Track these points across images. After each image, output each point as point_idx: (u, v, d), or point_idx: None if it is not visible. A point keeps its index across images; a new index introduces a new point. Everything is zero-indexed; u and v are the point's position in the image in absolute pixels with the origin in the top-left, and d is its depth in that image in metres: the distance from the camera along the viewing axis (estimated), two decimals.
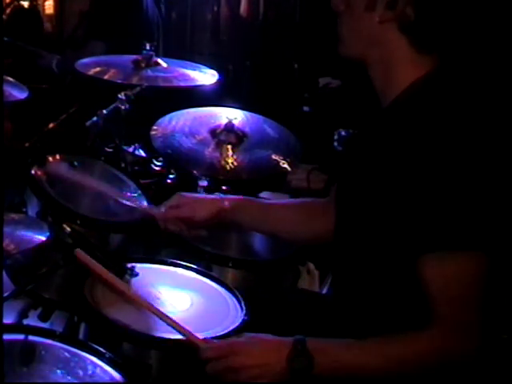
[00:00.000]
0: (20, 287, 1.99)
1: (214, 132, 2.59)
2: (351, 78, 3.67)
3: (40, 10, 4.01)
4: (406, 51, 1.46)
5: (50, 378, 1.47)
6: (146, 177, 2.68)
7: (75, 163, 2.37)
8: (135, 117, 2.71)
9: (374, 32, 1.47)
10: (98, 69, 2.76)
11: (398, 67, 1.48)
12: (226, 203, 1.87)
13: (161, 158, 2.74)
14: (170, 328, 1.59)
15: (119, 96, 2.67)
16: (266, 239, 2.36)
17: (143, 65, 2.78)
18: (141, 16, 3.58)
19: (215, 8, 4.54)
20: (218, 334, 1.70)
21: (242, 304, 1.78)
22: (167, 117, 2.68)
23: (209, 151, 2.54)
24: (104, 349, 1.56)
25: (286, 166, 2.56)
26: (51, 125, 2.78)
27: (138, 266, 1.88)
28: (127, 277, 1.84)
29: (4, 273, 2.03)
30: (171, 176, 2.75)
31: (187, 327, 1.58)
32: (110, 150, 2.68)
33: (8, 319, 1.93)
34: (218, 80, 2.84)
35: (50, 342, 1.56)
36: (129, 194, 2.38)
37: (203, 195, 2.01)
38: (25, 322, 2.11)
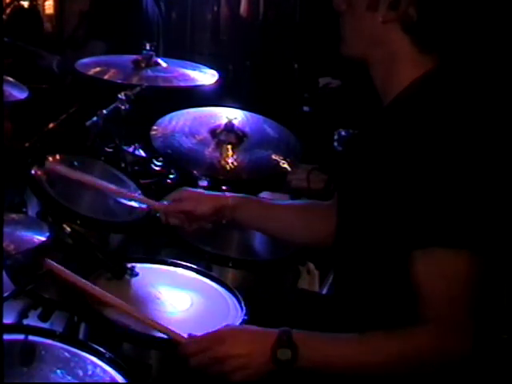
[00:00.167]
0: (20, 287, 1.98)
1: (214, 132, 2.59)
2: (351, 78, 3.67)
3: (40, 10, 4.01)
4: (407, 51, 1.47)
5: (50, 378, 1.47)
6: (146, 177, 2.68)
7: (75, 163, 2.37)
8: (135, 117, 2.71)
9: (376, 32, 1.47)
10: (97, 69, 2.75)
11: (400, 66, 1.48)
12: (229, 200, 1.88)
13: (161, 158, 2.74)
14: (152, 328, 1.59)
15: (119, 96, 2.67)
16: (266, 239, 2.36)
17: (143, 65, 2.78)
18: (141, 16, 3.58)
19: (215, 8, 4.54)
20: None
21: (242, 304, 1.78)
22: (167, 117, 2.68)
23: (209, 151, 2.54)
24: (104, 349, 1.56)
25: (285, 166, 2.56)
26: (51, 125, 2.78)
27: (138, 266, 1.88)
28: (127, 277, 1.84)
29: (4, 273, 2.03)
30: (171, 176, 2.75)
31: (169, 326, 1.58)
32: (110, 149, 2.68)
33: (8, 319, 1.93)
34: (218, 80, 2.84)
35: (50, 341, 1.56)
36: (129, 193, 2.38)
37: (207, 191, 2.00)
38: (25, 322, 2.10)
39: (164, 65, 2.83)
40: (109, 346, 1.59)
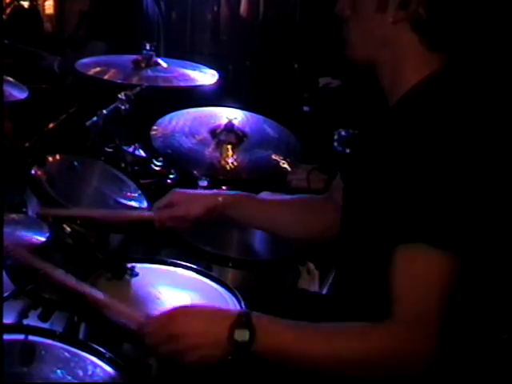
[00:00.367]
0: (20, 287, 1.99)
1: (214, 132, 2.60)
2: (351, 78, 3.67)
3: (40, 10, 4.01)
4: (416, 50, 1.47)
5: (50, 378, 1.47)
6: (146, 177, 2.68)
7: (75, 163, 2.37)
8: (135, 117, 2.71)
9: (385, 32, 1.47)
10: (97, 69, 2.76)
11: (407, 66, 1.48)
12: (221, 199, 1.88)
13: (161, 158, 2.74)
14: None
15: (119, 96, 2.67)
16: (265, 239, 2.36)
17: (143, 65, 2.78)
18: (141, 16, 3.58)
19: (215, 8, 4.54)
20: None
21: (242, 304, 1.78)
22: (167, 117, 2.68)
23: (209, 151, 2.54)
24: (104, 349, 1.56)
25: (286, 166, 2.56)
26: (51, 125, 2.78)
27: (138, 266, 1.88)
28: (127, 277, 1.84)
29: (4, 273, 2.02)
30: (171, 176, 2.75)
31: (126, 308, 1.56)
32: (110, 149, 2.68)
33: (8, 319, 1.93)
34: (218, 80, 2.84)
35: (50, 341, 1.56)
36: (129, 193, 2.39)
37: (198, 191, 2.00)
38: (25, 322, 2.10)
39: (164, 65, 2.83)
40: (109, 345, 1.59)
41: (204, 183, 2.65)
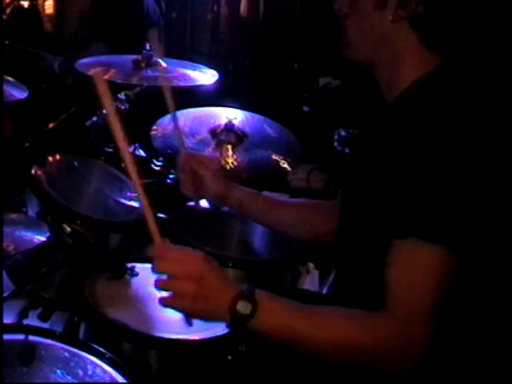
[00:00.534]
0: (20, 287, 1.99)
1: (214, 132, 2.59)
2: (351, 78, 3.68)
3: (40, 10, 4.01)
4: (414, 49, 1.47)
5: (50, 378, 1.47)
6: (146, 177, 2.68)
7: (75, 163, 2.37)
8: (135, 117, 2.71)
9: (384, 31, 1.47)
10: (98, 69, 2.75)
11: (405, 64, 1.48)
12: (238, 192, 1.89)
13: (161, 158, 2.74)
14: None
15: (119, 96, 2.67)
16: (265, 239, 2.36)
17: (143, 65, 2.77)
18: (142, 17, 3.58)
19: (215, 8, 4.55)
20: (217, 334, 1.71)
21: None
22: (167, 117, 2.68)
23: (209, 151, 2.54)
24: (104, 349, 1.56)
25: (286, 165, 2.56)
26: (51, 125, 2.78)
27: (138, 266, 1.88)
28: (127, 277, 1.84)
29: (4, 273, 2.03)
30: (171, 176, 2.75)
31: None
32: (110, 150, 2.68)
33: (8, 319, 1.93)
34: (218, 80, 2.84)
35: (49, 341, 1.56)
36: (129, 193, 2.39)
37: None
38: (25, 322, 2.11)
39: (164, 65, 2.83)
40: (109, 345, 1.60)
41: None
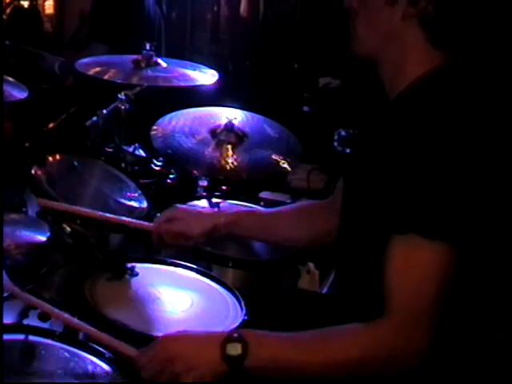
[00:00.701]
0: (20, 287, 1.98)
1: (214, 132, 2.59)
2: (351, 78, 3.68)
3: (40, 10, 4.01)
4: (421, 46, 1.47)
5: (49, 377, 1.47)
6: (146, 177, 2.68)
7: (75, 163, 2.37)
8: (135, 117, 2.71)
9: (392, 27, 1.47)
10: (97, 69, 2.75)
11: (410, 61, 1.48)
12: (221, 219, 1.89)
13: (161, 158, 2.74)
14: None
15: (119, 96, 2.67)
16: None
17: (143, 65, 2.77)
18: (143, 18, 3.58)
19: (215, 8, 4.54)
20: None
21: (242, 304, 1.78)
22: (167, 117, 2.68)
23: (209, 151, 2.54)
24: (104, 349, 1.56)
25: (285, 165, 2.56)
26: (51, 125, 2.78)
27: (138, 266, 1.88)
28: (127, 277, 1.84)
29: (4, 273, 2.02)
30: (171, 176, 2.75)
31: (116, 341, 1.56)
32: (110, 150, 2.68)
33: (8, 319, 1.93)
34: (218, 80, 2.84)
35: (49, 342, 1.56)
36: (129, 193, 2.39)
37: (199, 209, 2.00)
38: (25, 322, 2.10)
39: (164, 65, 2.83)
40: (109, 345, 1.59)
41: (204, 183, 2.65)
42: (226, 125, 2.58)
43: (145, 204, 2.34)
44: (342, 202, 1.67)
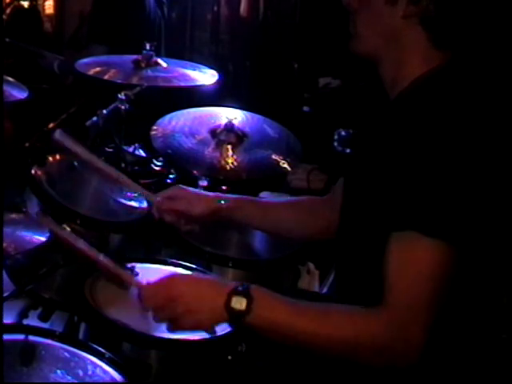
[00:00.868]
0: (20, 287, 1.99)
1: (214, 132, 2.59)
2: (351, 78, 3.67)
3: (40, 10, 4.01)
4: (422, 46, 1.47)
5: (49, 378, 1.47)
6: (146, 177, 2.68)
7: (75, 163, 2.37)
8: (135, 117, 2.71)
9: (393, 26, 1.47)
10: (97, 69, 2.75)
11: (411, 61, 1.48)
12: (223, 202, 1.87)
13: (161, 158, 2.74)
14: None
15: (119, 96, 2.67)
16: (265, 239, 2.36)
17: (143, 65, 2.77)
18: (143, 20, 3.58)
19: (215, 8, 4.54)
20: (217, 334, 1.70)
21: None
22: (167, 117, 2.68)
23: (209, 151, 2.54)
24: (104, 349, 1.56)
25: (285, 165, 2.56)
26: (51, 125, 2.78)
27: (138, 266, 1.88)
28: None
29: (4, 273, 2.03)
30: (171, 176, 2.75)
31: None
32: (110, 150, 2.68)
33: (8, 319, 1.93)
34: (218, 80, 2.84)
35: (49, 341, 1.56)
36: (129, 193, 2.39)
37: (202, 192, 1.99)
38: (25, 322, 2.11)
39: (164, 65, 2.83)
40: (109, 345, 1.59)
41: (204, 183, 2.65)
42: (226, 125, 2.58)
43: (145, 204, 2.34)
44: (342, 201, 1.68)
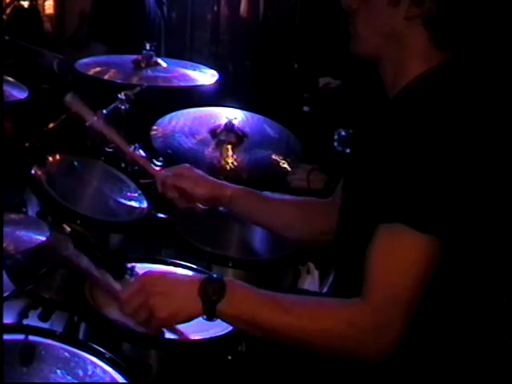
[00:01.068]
0: (20, 287, 1.99)
1: (214, 132, 2.60)
2: (351, 78, 3.68)
3: (40, 10, 4.01)
4: (423, 46, 1.47)
5: (49, 378, 1.47)
6: (146, 177, 2.68)
7: (75, 163, 2.37)
8: (135, 117, 2.71)
9: (395, 27, 1.47)
10: (97, 69, 2.75)
11: (412, 61, 1.48)
12: (228, 190, 1.87)
13: (161, 158, 2.74)
14: None
15: (119, 96, 2.67)
16: (265, 239, 2.36)
17: (143, 65, 2.77)
18: (143, 19, 3.58)
19: (215, 8, 4.54)
20: (217, 334, 1.71)
21: None
22: (167, 117, 2.68)
23: (209, 151, 2.54)
24: (104, 349, 1.56)
25: (285, 166, 2.56)
26: (51, 125, 2.78)
27: (138, 266, 1.88)
28: (127, 277, 1.84)
29: (4, 273, 2.03)
30: None
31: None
32: (110, 149, 2.68)
33: (8, 319, 1.93)
34: (218, 80, 2.84)
35: (49, 341, 1.56)
36: (129, 193, 2.39)
37: (210, 177, 1.98)
38: (25, 322, 2.11)
39: (164, 65, 2.83)
40: (109, 345, 1.59)
41: None
42: (226, 125, 2.58)
43: (145, 204, 2.34)
44: (342, 201, 1.68)
